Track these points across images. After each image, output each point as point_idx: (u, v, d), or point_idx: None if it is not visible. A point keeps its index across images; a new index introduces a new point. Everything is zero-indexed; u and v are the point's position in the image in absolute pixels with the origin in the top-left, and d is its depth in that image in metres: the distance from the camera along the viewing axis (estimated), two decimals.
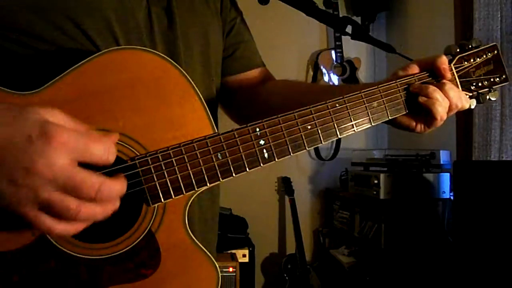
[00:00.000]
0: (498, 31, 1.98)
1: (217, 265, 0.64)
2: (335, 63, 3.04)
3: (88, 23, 0.65)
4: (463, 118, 2.17)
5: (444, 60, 0.76)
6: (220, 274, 0.64)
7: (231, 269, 2.38)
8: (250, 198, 2.98)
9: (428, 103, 0.73)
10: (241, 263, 2.49)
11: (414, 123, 0.78)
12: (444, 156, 2.21)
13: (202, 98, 0.63)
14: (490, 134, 1.98)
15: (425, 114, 0.75)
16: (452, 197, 2.09)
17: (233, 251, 2.54)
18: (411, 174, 2.24)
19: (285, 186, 2.94)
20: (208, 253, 0.64)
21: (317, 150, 3.09)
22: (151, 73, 0.61)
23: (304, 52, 3.15)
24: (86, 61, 0.59)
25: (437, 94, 0.73)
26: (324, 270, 2.92)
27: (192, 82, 0.63)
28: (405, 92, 0.76)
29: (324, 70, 3.03)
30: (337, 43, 3.02)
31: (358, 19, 3.15)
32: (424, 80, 0.77)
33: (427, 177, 2.20)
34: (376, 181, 2.22)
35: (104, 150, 0.50)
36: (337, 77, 3.04)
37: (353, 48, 3.11)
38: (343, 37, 3.01)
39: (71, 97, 0.58)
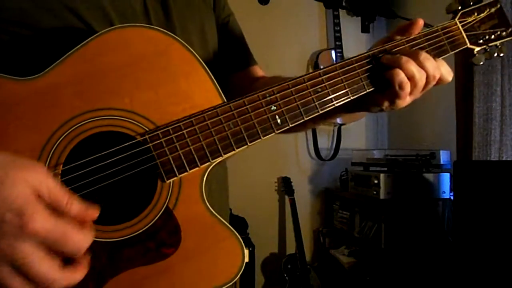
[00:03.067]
0: None
1: (240, 238, 0.61)
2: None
3: (84, 10, 0.65)
4: (463, 118, 2.17)
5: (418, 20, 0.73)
6: (244, 247, 0.61)
7: None
8: (250, 198, 2.98)
9: (393, 76, 0.67)
10: None
11: (383, 99, 0.71)
12: (444, 156, 2.21)
13: (208, 70, 0.62)
14: (490, 134, 1.98)
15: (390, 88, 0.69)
16: (452, 197, 2.09)
17: None
18: (411, 174, 2.23)
19: (285, 186, 2.94)
20: (230, 226, 0.61)
21: (317, 150, 3.09)
22: (154, 48, 0.61)
23: (304, 52, 3.15)
24: (88, 41, 0.58)
25: (411, 65, 0.67)
26: (324, 270, 2.92)
27: (197, 55, 0.62)
28: (373, 65, 0.71)
29: None
30: (337, 43, 3.01)
31: (358, 19, 3.15)
32: (397, 49, 0.72)
33: (427, 177, 2.20)
34: (376, 181, 2.22)
35: (79, 243, 0.47)
36: None
37: (353, 48, 3.11)
38: (343, 36, 3.01)
39: (75, 78, 0.58)
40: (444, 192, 2.17)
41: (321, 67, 3.11)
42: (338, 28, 3.00)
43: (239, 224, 2.74)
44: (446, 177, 2.18)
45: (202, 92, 0.62)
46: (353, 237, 2.62)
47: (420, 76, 0.67)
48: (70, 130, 0.57)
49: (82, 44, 0.58)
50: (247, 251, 2.57)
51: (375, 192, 2.23)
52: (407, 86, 0.67)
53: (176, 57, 0.61)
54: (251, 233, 2.78)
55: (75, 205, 0.48)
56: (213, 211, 0.61)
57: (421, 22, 0.73)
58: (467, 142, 2.12)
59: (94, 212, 0.50)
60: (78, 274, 0.49)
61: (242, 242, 0.61)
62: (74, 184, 0.56)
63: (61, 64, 0.58)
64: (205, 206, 0.61)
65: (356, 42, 3.16)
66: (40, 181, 0.46)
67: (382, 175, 2.19)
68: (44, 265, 0.45)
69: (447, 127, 2.37)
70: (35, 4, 0.62)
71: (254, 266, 2.62)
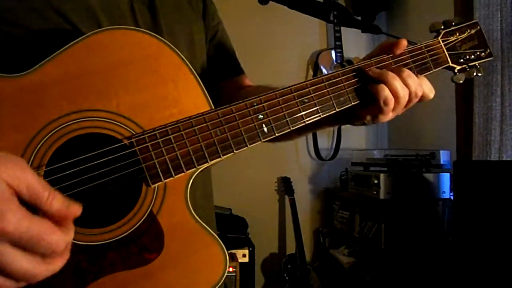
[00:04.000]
0: (498, 31, 1.98)
1: (223, 245, 0.61)
2: (335, 63, 3.04)
3: (70, 11, 0.64)
4: (463, 118, 2.17)
5: (401, 40, 0.75)
6: (227, 254, 0.61)
7: (231, 269, 2.38)
8: (250, 198, 2.98)
9: (378, 91, 0.68)
10: (241, 263, 2.49)
11: (365, 113, 0.73)
12: (444, 156, 2.21)
13: (197, 75, 0.62)
14: (490, 134, 1.98)
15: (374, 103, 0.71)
16: (452, 197, 2.09)
17: (233, 251, 2.53)
18: (411, 174, 2.23)
19: (285, 186, 2.94)
20: (214, 233, 0.61)
21: (317, 150, 3.09)
22: (143, 51, 0.60)
23: (304, 52, 3.15)
24: (77, 42, 0.58)
25: (396, 82, 0.69)
26: (324, 270, 2.92)
27: (186, 60, 0.62)
28: (357, 79, 0.72)
29: (324, 70, 3.03)
30: (337, 43, 3.01)
31: (358, 19, 3.15)
32: (382, 64, 0.74)
33: (427, 177, 2.20)
34: (376, 181, 2.22)
35: (55, 243, 0.45)
36: None
37: (353, 48, 3.11)
38: (343, 36, 3.01)
39: (62, 78, 0.57)
40: (444, 192, 2.17)
41: (321, 67, 3.13)
42: (338, 28, 3.00)
43: (239, 224, 2.74)
44: (446, 177, 2.18)
45: (190, 97, 0.62)
46: (353, 237, 2.62)
47: (403, 93, 0.69)
48: (54, 131, 0.56)
49: (71, 43, 0.58)
50: (247, 251, 2.57)
51: (375, 192, 2.23)
52: (391, 102, 0.69)
53: (165, 61, 0.61)
54: (251, 233, 2.78)
55: (57, 201, 0.46)
56: (197, 218, 0.60)
57: (404, 42, 0.75)
58: (467, 142, 2.12)
59: (76, 209, 0.47)
60: (59, 263, 0.47)
61: (225, 249, 0.61)
62: (57, 186, 0.55)
63: (49, 63, 0.57)
64: (189, 212, 0.60)
65: (356, 42, 3.16)
66: (18, 176, 0.44)
67: (382, 175, 2.19)
68: (22, 263, 0.43)
69: (447, 127, 2.37)
70: (21, 5, 0.61)
71: (254, 266, 2.62)
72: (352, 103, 0.71)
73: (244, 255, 2.56)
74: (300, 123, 0.67)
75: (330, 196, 3.06)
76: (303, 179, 3.13)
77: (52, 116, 0.56)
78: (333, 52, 3.04)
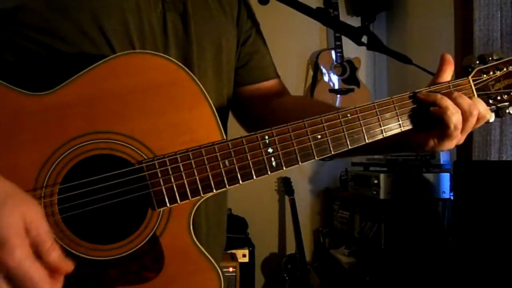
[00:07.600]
0: (498, 31, 1.98)
1: (220, 272, 0.64)
2: (335, 63, 3.04)
3: (107, 24, 0.66)
4: None
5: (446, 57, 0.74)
6: (222, 281, 0.64)
7: (231, 269, 2.38)
8: (250, 198, 2.98)
9: (438, 112, 0.69)
10: (241, 263, 2.49)
11: (428, 138, 0.72)
12: (444, 156, 2.21)
13: (212, 105, 0.64)
14: (490, 134, 1.98)
15: (439, 126, 0.70)
16: (452, 197, 2.09)
17: (233, 251, 2.53)
18: (411, 174, 2.23)
19: (285, 186, 2.94)
20: (212, 259, 0.64)
21: None
22: (162, 77, 0.62)
23: (304, 52, 3.15)
24: (98, 64, 0.61)
25: (445, 101, 0.68)
26: (324, 270, 2.92)
27: (203, 88, 0.64)
28: (416, 105, 0.72)
29: (324, 70, 3.03)
30: (337, 43, 3.01)
31: (358, 19, 3.15)
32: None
33: (427, 177, 2.20)
34: (376, 181, 2.22)
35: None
36: (337, 77, 3.04)
37: (353, 48, 3.11)
38: (343, 36, 3.01)
39: (81, 100, 0.60)
40: (444, 192, 2.17)
41: (321, 67, 3.12)
42: None
43: (239, 224, 2.74)
44: (446, 177, 2.18)
45: (204, 126, 0.64)
46: (353, 237, 2.62)
47: (455, 112, 0.68)
48: (71, 150, 0.59)
49: (92, 66, 0.60)
50: (247, 251, 2.57)
51: (375, 192, 2.23)
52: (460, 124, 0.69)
53: (182, 88, 0.63)
54: (251, 233, 2.78)
55: (55, 253, 0.49)
56: (197, 243, 0.63)
57: (448, 56, 0.73)
58: (467, 142, 2.12)
59: (69, 266, 0.51)
60: None
61: (221, 276, 0.64)
62: (68, 203, 0.58)
63: (72, 84, 0.60)
64: (191, 238, 0.63)
65: None
66: (33, 219, 0.48)
67: (382, 175, 2.19)
68: None
69: None
70: (61, 15, 0.63)
71: (254, 266, 2.62)
72: (367, 141, 0.70)
73: (244, 255, 2.56)
74: (310, 159, 0.67)
75: (330, 196, 3.06)
76: (303, 179, 3.13)
77: (69, 135, 0.59)
78: (333, 52, 3.04)
